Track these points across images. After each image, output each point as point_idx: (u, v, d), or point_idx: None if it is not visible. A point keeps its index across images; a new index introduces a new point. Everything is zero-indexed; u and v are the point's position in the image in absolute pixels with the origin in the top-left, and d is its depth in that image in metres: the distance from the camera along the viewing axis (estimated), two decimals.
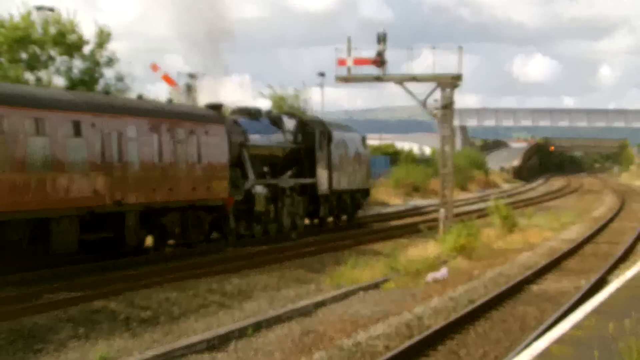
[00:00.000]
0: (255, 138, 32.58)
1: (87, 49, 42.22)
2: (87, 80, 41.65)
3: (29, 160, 20.86)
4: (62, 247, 22.25)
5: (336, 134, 38.57)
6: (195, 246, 28.32)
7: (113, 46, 42.87)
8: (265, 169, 33.34)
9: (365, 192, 42.86)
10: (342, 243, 32.08)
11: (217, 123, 29.39)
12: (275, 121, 35.19)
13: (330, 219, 39.22)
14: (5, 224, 20.39)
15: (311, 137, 36.31)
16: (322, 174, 36.61)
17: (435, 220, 36.49)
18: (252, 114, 33.86)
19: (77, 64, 42.11)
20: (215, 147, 28.79)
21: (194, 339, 16.25)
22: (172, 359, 14.96)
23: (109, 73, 43.47)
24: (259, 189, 31.67)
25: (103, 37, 42.45)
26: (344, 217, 40.77)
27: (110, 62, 42.78)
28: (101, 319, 17.48)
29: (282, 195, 33.63)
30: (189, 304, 19.67)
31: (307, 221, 37.62)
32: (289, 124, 35.92)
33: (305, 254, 28.60)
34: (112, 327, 17.21)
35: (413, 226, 37.18)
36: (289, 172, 35.00)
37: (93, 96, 26.67)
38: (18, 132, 20.58)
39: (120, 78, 43.59)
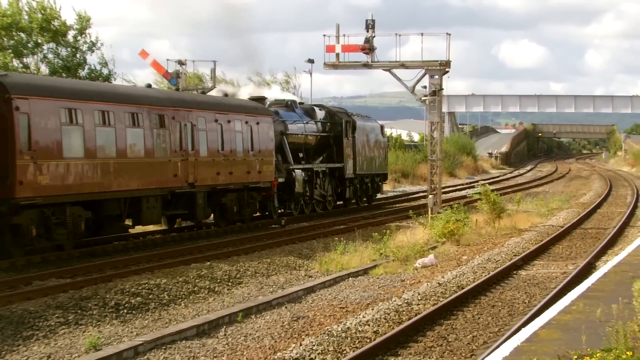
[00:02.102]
0: (293, 127, 36.49)
1: (71, 35, 42.01)
2: (70, 66, 41.37)
3: (129, 148, 24.89)
4: (150, 221, 26.63)
5: (359, 123, 41.55)
6: (247, 222, 32.02)
7: (102, 32, 42.64)
8: (301, 154, 37.10)
9: (384, 176, 46.05)
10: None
11: (265, 114, 33.33)
12: (308, 112, 38.94)
13: (353, 200, 42.39)
14: (110, 201, 24.47)
15: (339, 126, 39.75)
16: (348, 159, 39.99)
17: (425, 205, 36.59)
18: (289, 105, 37.85)
19: (64, 51, 41.89)
20: (264, 136, 32.66)
21: (184, 325, 16.31)
22: (162, 345, 15.00)
23: (93, 59, 43.26)
24: (298, 173, 35.34)
25: (83, 23, 42.22)
26: (364, 199, 43.86)
27: (92, 46, 42.52)
28: (91, 306, 17.47)
29: (315, 178, 37.43)
30: (178, 290, 19.69)
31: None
32: (320, 114, 39.68)
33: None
34: (102, 314, 17.23)
35: (405, 211, 37.61)
36: (320, 158, 38.95)
37: (171, 92, 31.47)
38: (121, 125, 24.59)
39: (104, 63, 43.34)
